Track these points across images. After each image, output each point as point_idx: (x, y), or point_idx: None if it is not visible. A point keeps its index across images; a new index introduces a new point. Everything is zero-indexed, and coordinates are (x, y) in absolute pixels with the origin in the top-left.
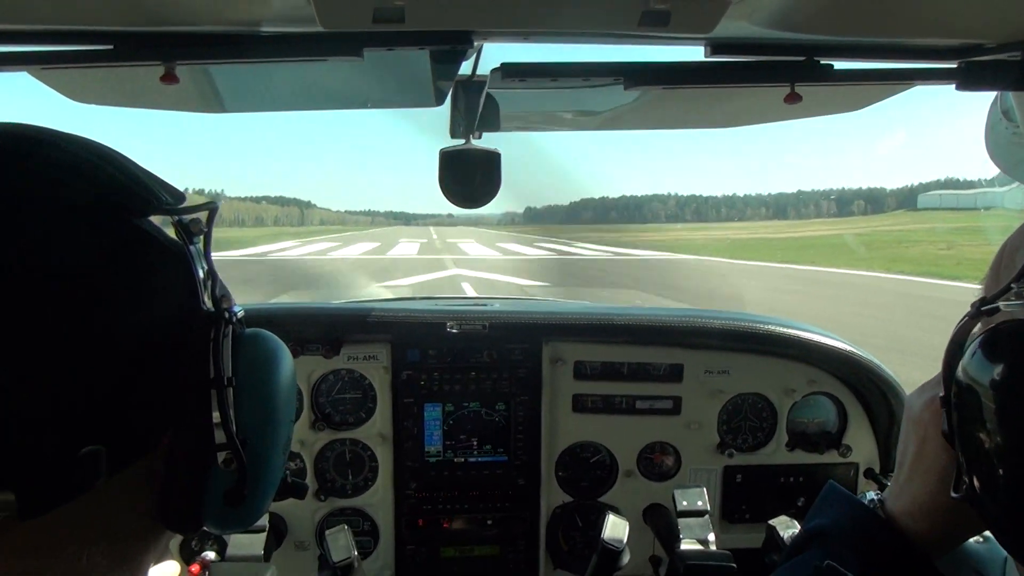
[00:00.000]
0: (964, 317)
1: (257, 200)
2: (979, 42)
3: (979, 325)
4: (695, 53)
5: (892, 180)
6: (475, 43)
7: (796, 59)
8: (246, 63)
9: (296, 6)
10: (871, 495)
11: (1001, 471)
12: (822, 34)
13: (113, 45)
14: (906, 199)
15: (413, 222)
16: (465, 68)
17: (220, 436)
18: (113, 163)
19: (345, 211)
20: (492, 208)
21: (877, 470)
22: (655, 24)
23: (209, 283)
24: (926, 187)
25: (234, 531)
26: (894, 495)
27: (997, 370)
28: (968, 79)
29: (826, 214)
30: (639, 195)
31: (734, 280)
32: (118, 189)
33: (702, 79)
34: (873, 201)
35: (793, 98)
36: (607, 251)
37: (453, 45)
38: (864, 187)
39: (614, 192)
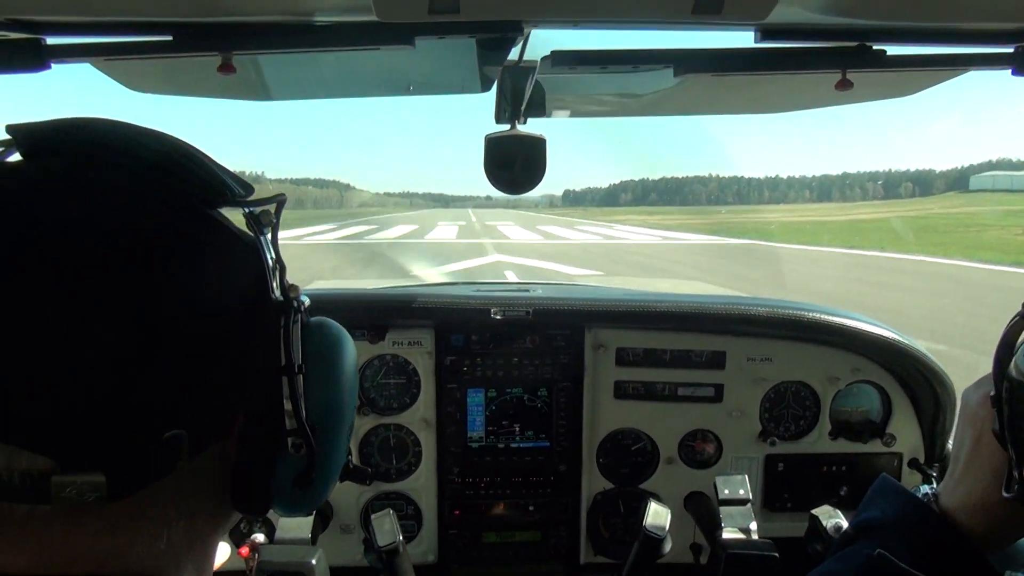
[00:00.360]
0: (1015, 317)
1: (296, 182)
2: None
3: None
4: (745, 38)
5: (941, 162)
6: (525, 30)
7: (848, 44)
8: (301, 52)
9: None
10: (925, 488)
11: None
12: (874, 19)
13: (172, 36)
14: (956, 181)
15: (452, 204)
16: (512, 54)
17: (290, 422)
18: (192, 159)
19: (384, 193)
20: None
21: (922, 460)
22: (708, 12)
23: (277, 272)
24: (977, 168)
25: (300, 515)
26: (949, 490)
27: None
28: None
29: (872, 197)
30: (679, 176)
31: (805, 269)
32: (197, 183)
33: (752, 66)
34: (921, 183)
35: (844, 84)
36: (654, 235)
37: (503, 33)
38: (912, 169)
39: (654, 174)
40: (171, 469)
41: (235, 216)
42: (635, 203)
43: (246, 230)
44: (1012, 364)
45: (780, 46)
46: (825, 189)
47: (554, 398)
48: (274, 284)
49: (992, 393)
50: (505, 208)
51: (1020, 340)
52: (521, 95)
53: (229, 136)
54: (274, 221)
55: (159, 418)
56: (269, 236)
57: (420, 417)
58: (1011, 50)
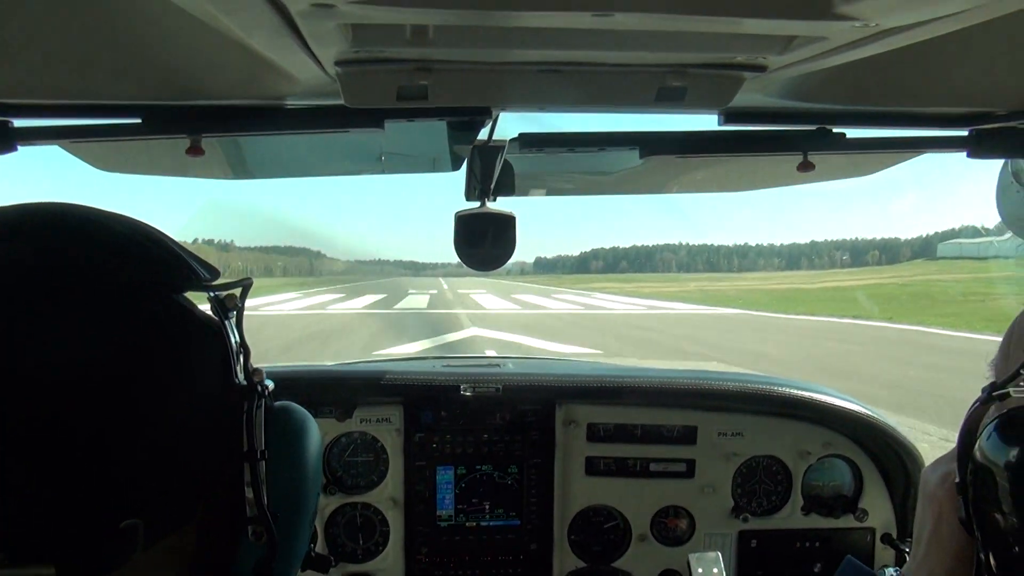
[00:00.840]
0: (975, 402)
1: (266, 250)
2: (989, 110)
3: (992, 409)
4: (709, 121)
5: (906, 231)
6: (493, 113)
7: (808, 128)
8: (271, 135)
9: (322, 82)
10: (890, 571)
11: (1018, 550)
12: (834, 103)
13: (141, 119)
14: (922, 248)
15: (423, 272)
16: (482, 134)
17: (251, 509)
18: (157, 243)
19: (355, 261)
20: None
21: (894, 535)
22: (671, 100)
23: (242, 357)
24: (943, 236)
25: None
26: (912, 572)
27: (1013, 453)
28: (979, 147)
29: (840, 265)
30: (650, 244)
31: (830, 345)
32: (161, 267)
33: (716, 148)
34: (887, 251)
35: (806, 166)
36: (638, 304)
37: (472, 117)
38: (878, 238)
39: (624, 242)
40: (125, 560)
41: (201, 298)
42: (606, 271)
43: (211, 314)
44: (976, 447)
45: (742, 129)
46: (794, 257)
47: (525, 475)
48: (238, 368)
49: (949, 474)
50: (476, 276)
51: (983, 424)
52: (490, 174)
53: (197, 204)
54: (239, 305)
55: (115, 508)
56: (234, 320)
57: (388, 496)
58: (965, 133)
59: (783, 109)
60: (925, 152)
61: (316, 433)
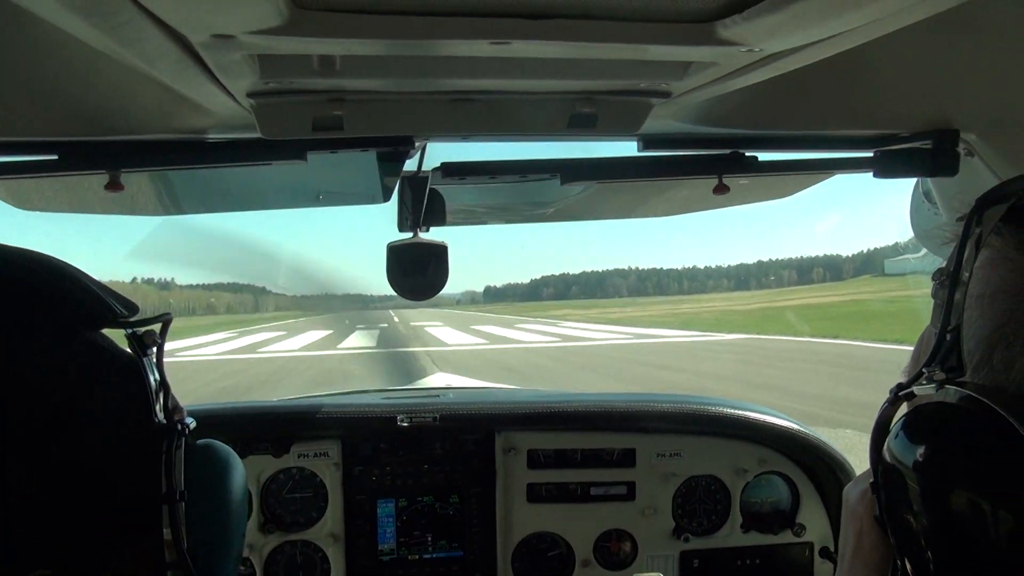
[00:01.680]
0: (885, 402)
1: (209, 288)
2: (893, 132)
3: (901, 409)
4: (629, 147)
5: (847, 247)
6: (417, 144)
7: (722, 152)
8: (191, 169)
9: (239, 115)
10: None
11: (929, 553)
12: (746, 128)
13: (58, 155)
14: (863, 265)
15: (371, 305)
16: (410, 165)
17: (170, 554)
18: (68, 278)
19: (301, 296)
20: (450, 287)
21: (832, 549)
22: (584, 126)
23: (161, 395)
24: (882, 252)
25: None
26: None
27: (919, 451)
28: (884, 167)
29: (788, 283)
30: (599, 270)
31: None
32: (73, 304)
33: (634, 173)
34: (831, 268)
35: (721, 189)
36: (619, 331)
37: (395, 147)
38: (821, 255)
39: (574, 268)
40: None
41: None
42: (557, 297)
43: (129, 351)
44: (885, 447)
45: (659, 154)
46: (743, 278)
47: (466, 505)
48: (157, 407)
49: (868, 490)
50: (427, 307)
51: (893, 423)
52: (420, 204)
53: (135, 242)
54: (159, 341)
55: (23, 558)
56: (154, 356)
57: (328, 532)
58: (871, 154)
59: (698, 134)
60: (835, 173)
61: (240, 471)
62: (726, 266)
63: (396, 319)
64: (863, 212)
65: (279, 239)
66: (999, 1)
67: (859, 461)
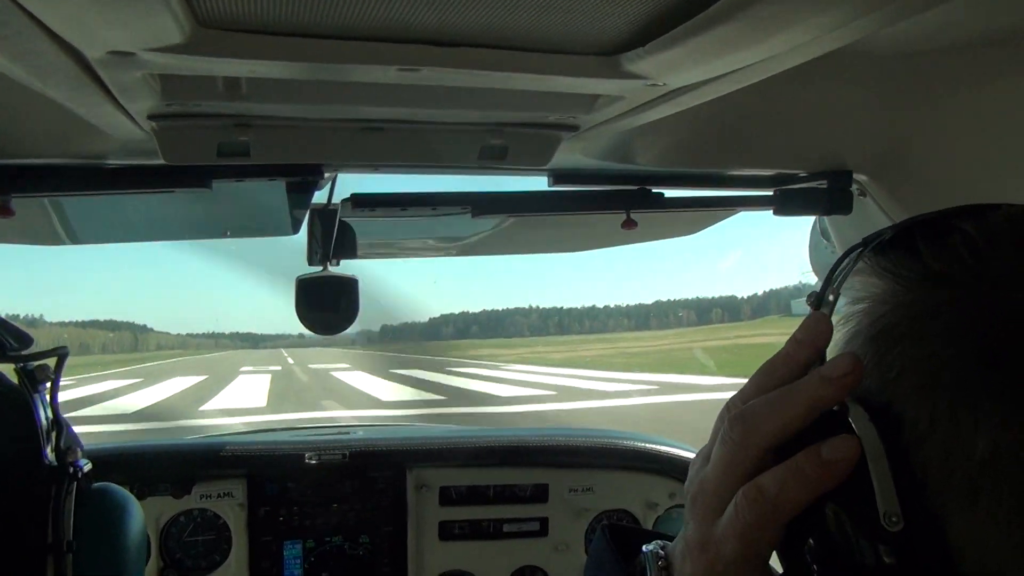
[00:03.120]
0: None
1: (83, 325)
2: (792, 171)
3: None
4: (540, 183)
5: (743, 288)
6: (327, 174)
7: (630, 188)
8: (89, 195)
9: (140, 139)
10: (653, 547)
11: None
12: (654, 165)
13: None
14: (760, 306)
15: (262, 344)
16: (321, 197)
17: None
18: None
19: (187, 334)
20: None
21: None
22: (494, 158)
23: (54, 434)
24: (780, 294)
25: None
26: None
27: None
28: (783, 205)
29: (686, 323)
30: (500, 309)
31: None
32: None
33: (544, 207)
34: (729, 308)
35: (629, 224)
36: (620, 378)
37: (304, 176)
38: (716, 296)
39: (473, 307)
40: None
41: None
42: (457, 336)
43: (19, 385)
44: None
45: (569, 189)
46: (642, 317)
47: (377, 545)
48: (48, 448)
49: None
50: (323, 347)
51: None
52: (330, 237)
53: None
54: (53, 377)
55: None
56: (47, 393)
57: None
58: (771, 193)
59: (607, 170)
60: (738, 211)
61: (138, 517)
62: (625, 305)
63: (290, 360)
64: (762, 251)
65: (163, 273)
66: (885, 46)
67: None
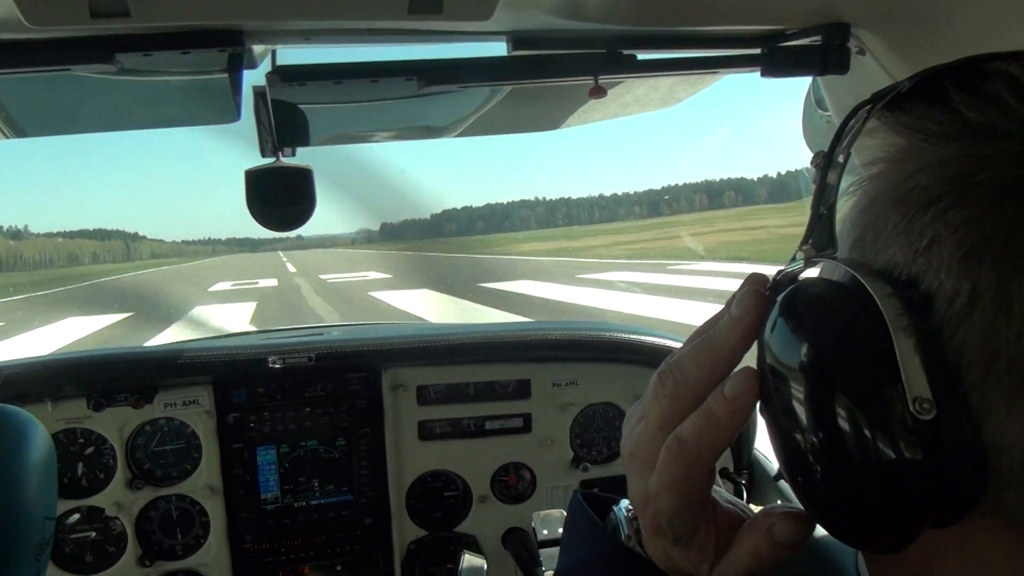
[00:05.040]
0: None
1: (70, 235)
2: (781, 28)
3: None
4: (498, 51)
5: (752, 169)
6: (251, 46)
7: (597, 51)
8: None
9: (9, 5)
10: (624, 506)
11: (798, 442)
12: (623, 24)
13: None
14: (776, 189)
15: (260, 248)
16: (260, 79)
17: None
18: None
19: (181, 241)
20: (344, 226)
21: (731, 469)
22: (428, 12)
23: None
24: (794, 175)
25: None
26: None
27: (784, 337)
28: (772, 66)
29: (699, 207)
30: (504, 202)
31: None
32: None
33: (500, 75)
34: (742, 191)
35: (597, 92)
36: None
37: (222, 48)
38: (727, 178)
39: (476, 201)
40: None
41: None
42: (461, 233)
43: None
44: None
45: (528, 54)
46: (654, 203)
47: (353, 447)
48: None
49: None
50: (322, 248)
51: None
52: (273, 123)
53: None
54: None
55: None
56: None
57: (204, 484)
58: (758, 52)
59: (573, 32)
60: (721, 74)
61: (41, 442)
62: (633, 192)
63: (290, 266)
64: (755, 130)
65: (154, 180)
66: None
67: None
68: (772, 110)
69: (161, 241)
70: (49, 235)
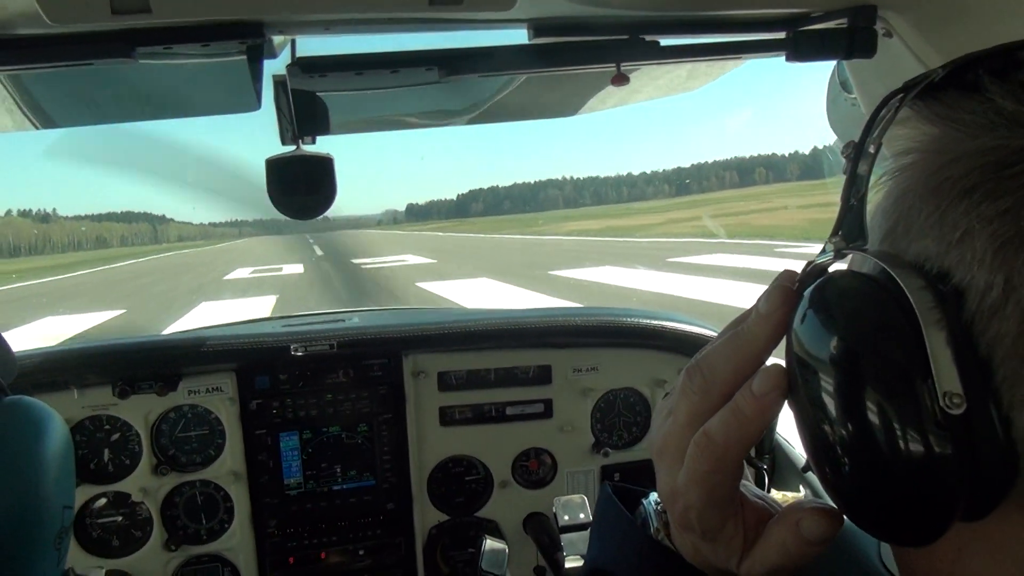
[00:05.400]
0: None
1: (97, 218)
2: (806, 11)
3: None
4: (519, 38)
5: (782, 145)
6: (272, 37)
7: (620, 38)
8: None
9: (31, 2)
10: (653, 499)
11: (827, 435)
12: (646, 10)
13: None
14: (808, 166)
15: (286, 231)
16: (280, 68)
17: None
18: None
19: (209, 224)
20: (369, 208)
21: (753, 454)
22: (449, 2)
23: None
24: (832, 150)
25: None
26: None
27: (814, 330)
28: (797, 50)
29: (729, 185)
30: (531, 181)
31: None
32: None
33: (522, 64)
34: (773, 168)
35: (620, 80)
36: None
37: (243, 40)
38: (756, 154)
39: (503, 180)
40: None
41: None
42: (487, 213)
43: None
44: (789, 329)
45: (549, 41)
46: (682, 182)
47: (375, 433)
48: None
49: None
50: (350, 229)
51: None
52: (294, 111)
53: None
54: None
55: None
56: None
57: (228, 470)
58: (783, 36)
59: (593, 18)
60: (744, 58)
61: (58, 433)
62: (661, 171)
63: (318, 249)
64: (778, 109)
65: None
66: None
67: None
68: (797, 87)
69: (188, 223)
70: (78, 218)
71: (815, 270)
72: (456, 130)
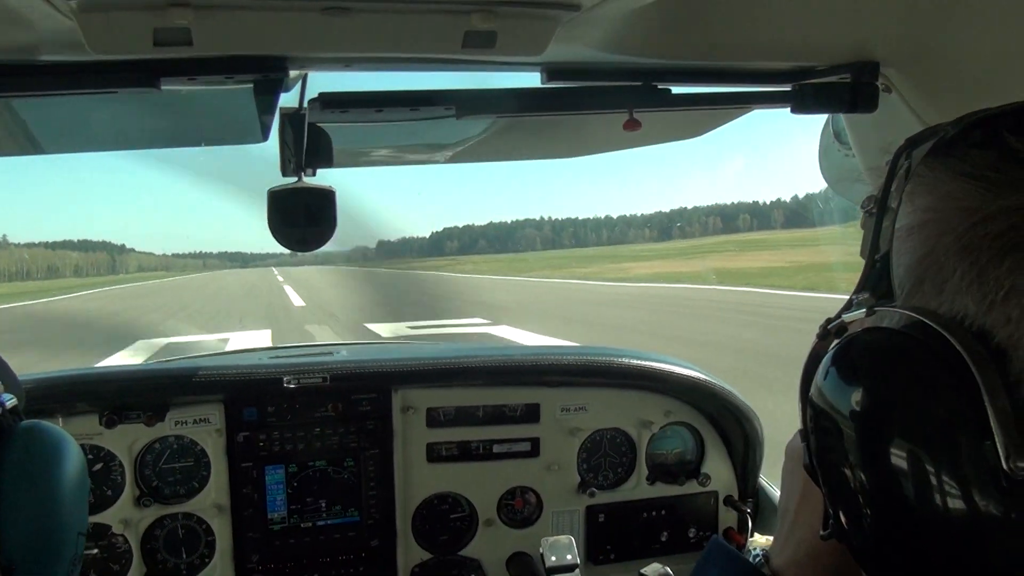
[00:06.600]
0: (812, 346)
1: (52, 246)
2: (811, 65)
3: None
4: (531, 80)
5: (767, 193)
6: (291, 71)
7: (633, 84)
8: (19, 97)
9: (67, 29)
10: (758, 550)
11: (861, 500)
12: (658, 58)
13: None
14: (793, 213)
15: (251, 263)
16: (292, 100)
17: None
18: None
19: (171, 255)
20: (337, 244)
21: (736, 497)
22: (481, 46)
23: None
24: (822, 198)
25: None
26: (778, 549)
27: (848, 389)
28: (801, 102)
29: (713, 231)
30: (508, 221)
31: None
32: None
33: (538, 106)
34: (757, 215)
35: (632, 124)
36: None
37: (266, 74)
38: (739, 201)
39: (478, 219)
40: None
41: None
42: (462, 251)
43: None
44: (813, 387)
45: (565, 85)
46: (664, 226)
47: (362, 468)
48: None
49: (799, 430)
50: (319, 265)
51: (820, 367)
52: (302, 144)
53: None
54: None
55: None
56: None
57: (212, 503)
58: (788, 88)
59: (606, 64)
60: (750, 109)
61: (75, 458)
62: (640, 215)
63: (296, 299)
64: (771, 156)
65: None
66: None
67: None
68: (785, 137)
69: (150, 254)
70: (30, 245)
71: (843, 327)
72: (429, 167)
